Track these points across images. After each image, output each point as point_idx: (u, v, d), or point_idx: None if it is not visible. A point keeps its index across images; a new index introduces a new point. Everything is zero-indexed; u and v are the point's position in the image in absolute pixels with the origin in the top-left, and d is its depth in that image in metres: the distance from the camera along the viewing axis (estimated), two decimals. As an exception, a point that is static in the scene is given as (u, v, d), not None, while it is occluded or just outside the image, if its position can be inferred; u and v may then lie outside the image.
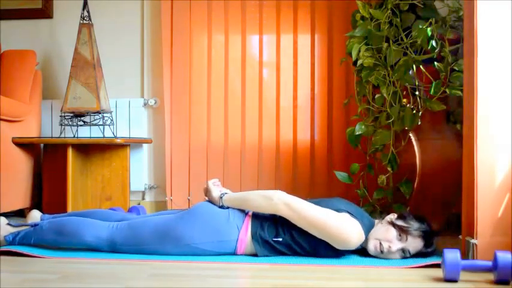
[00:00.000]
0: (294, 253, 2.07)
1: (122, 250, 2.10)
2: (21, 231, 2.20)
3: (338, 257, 2.05)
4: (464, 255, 1.95)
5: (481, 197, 1.92)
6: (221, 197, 2.16)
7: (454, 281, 1.70)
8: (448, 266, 1.68)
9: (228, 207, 2.14)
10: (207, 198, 2.25)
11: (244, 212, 2.14)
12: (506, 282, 1.67)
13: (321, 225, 1.97)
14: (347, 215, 2.02)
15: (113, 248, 2.11)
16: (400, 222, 2.05)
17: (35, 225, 2.21)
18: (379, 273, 1.85)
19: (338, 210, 2.03)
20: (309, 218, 1.98)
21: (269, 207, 2.05)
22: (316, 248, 2.04)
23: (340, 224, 1.96)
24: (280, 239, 2.06)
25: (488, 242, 1.89)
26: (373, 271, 1.88)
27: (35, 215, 2.53)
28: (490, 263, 1.72)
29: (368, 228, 2.07)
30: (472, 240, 1.91)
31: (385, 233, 2.05)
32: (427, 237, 2.03)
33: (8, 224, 2.28)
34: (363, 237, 2.01)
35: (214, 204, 2.17)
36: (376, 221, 2.16)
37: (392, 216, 2.11)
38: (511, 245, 1.87)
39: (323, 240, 2.00)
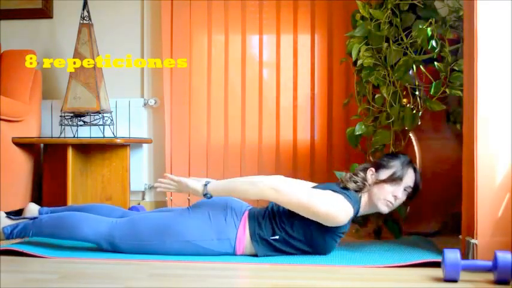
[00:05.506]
0: (293, 248, 2.09)
1: (120, 247, 2.09)
2: (20, 224, 2.21)
3: (335, 240, 2.09)
4: (464, 255, 1.95)
5: (481, 197, 1.92)
6: (205, 185, 2.11)
7: (454, 281, 1.70)
8: (448, 266, 1.68)
9: (211, 197, 2.11)
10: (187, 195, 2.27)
11: (241, 210, 2.14)
12: (506, 282, 1.67)
13: (307, 205, 2.00)
14: (330, 191, 2.07)
15: (111, 243, 2.09)
16: (384, 175, 2.17)
17: (34, 218, 2.22)
18: (379, 273, 1.85)
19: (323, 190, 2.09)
20: (295, 200, 2.02)
21: (256, 193, 2.06)
22: (312, 236, 2.06)
23: (326, 202, 2.01)
24: (277, 237, 2.07)
25: (488, 242, 1.89)
26: (373, 271, 1.89)
27: (32, 208, 2.53)
28: (490, 263, 1.72)
29: (355, 200, 2.10)
30: (472, 240, 1.91)
31: (383, 192, 2.16)
32: (411, 164, 2.22)
33: (7, 216, 2.29)
34: (351, 211, 2.05)
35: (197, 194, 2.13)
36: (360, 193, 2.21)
37: (372, 175, 2.20)
38: (511, 245, 1.87)
39: (316, 228, 2.03)
